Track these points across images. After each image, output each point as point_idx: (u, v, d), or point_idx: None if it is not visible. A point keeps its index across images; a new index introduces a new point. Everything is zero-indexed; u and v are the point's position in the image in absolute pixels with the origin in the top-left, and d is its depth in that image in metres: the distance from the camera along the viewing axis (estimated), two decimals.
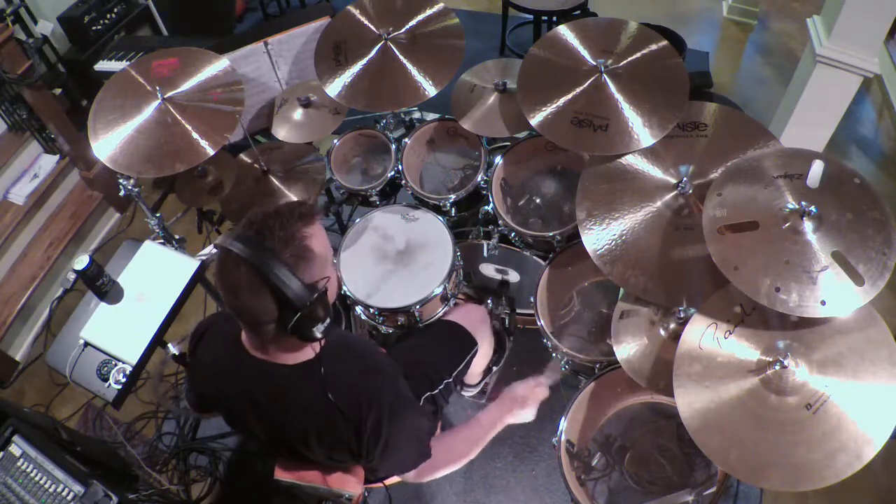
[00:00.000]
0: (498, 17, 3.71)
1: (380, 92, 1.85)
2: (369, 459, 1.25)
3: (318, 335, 1.12)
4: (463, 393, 2.11)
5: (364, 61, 1.89)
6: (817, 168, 1.30)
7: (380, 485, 1.56)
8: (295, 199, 2.03)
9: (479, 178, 1.93)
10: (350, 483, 1.43)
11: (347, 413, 1.19)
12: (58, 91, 2.83)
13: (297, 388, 1.20)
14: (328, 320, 1.12)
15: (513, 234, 1.86)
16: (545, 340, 1.72)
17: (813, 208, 1.24)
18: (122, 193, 1.95)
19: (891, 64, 3.33)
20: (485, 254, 1.94)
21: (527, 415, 1.59)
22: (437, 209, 1.95)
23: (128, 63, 2.38)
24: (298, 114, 2.07)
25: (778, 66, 3.60)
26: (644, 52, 1.66)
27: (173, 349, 1.79)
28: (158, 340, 1.78)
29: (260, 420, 1.28)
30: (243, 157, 2.14)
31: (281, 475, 1.42)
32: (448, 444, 1.48)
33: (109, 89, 1.81)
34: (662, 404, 1.70)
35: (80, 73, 3.03)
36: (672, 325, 1.49)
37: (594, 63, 1.64)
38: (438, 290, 1.73)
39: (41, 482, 1.58)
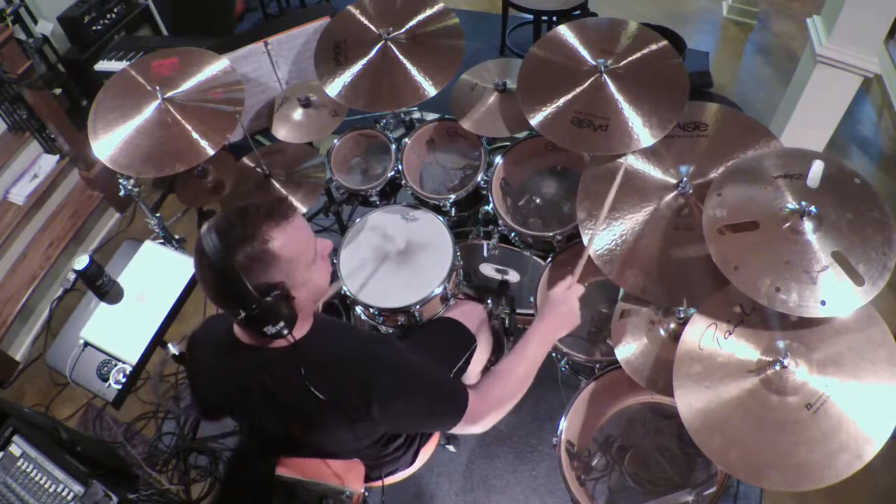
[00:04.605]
0: (498, 17, 3.70)
1: (380, 92, 1.85)
2: (391, 419, 1.23)
3: (271, 334, 1.10)
4: None
5: (364, 61, 1.89)
6: (817, 168, 1.30)
7: (380, 483, 1.56)
8: (295, 202, 2.03)
9: (479, 178, 1.93)
10: (351, 479, 1.43)
11: (352, 380, 1.18)
12: (58, 91, 2.83)
13: (289, 371, 1.19)
14: (282, 323, 1.09)
15: (513, 234, 1.86)
16: None
17: (813, 208, 1.24)
18: (122, 193, 1.95)
19: (891, 64, 3.33)
20: (485, 254, 1.94)
21: (573, 320, 1.43)
22: (437, 209, 1.95)
23: (128, 63, 2.39)
24: (298, 114, 2.07)
25: (778, 66, 3.60)
26: (644, 52, 1.66)
27: (173, 349, 1.79)
28: (158, 340, 1.78)
29: (260, 408, 1.27)
30: (246, 160, 2.14)
31: (283, 471, 1.42)
32: (498, 377, 1.36)
33: (109, 89, 1.81)
34: (662, 404, 1.70)
35: (80, 73, 3.03)
36: (672, 325, 1.49)
37: (594, 63, 1.64)
38: (438, 290, 1.73)
39: (41, 482, 1.58)
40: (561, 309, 1.42)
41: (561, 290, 1.45)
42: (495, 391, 1.33)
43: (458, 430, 1.30)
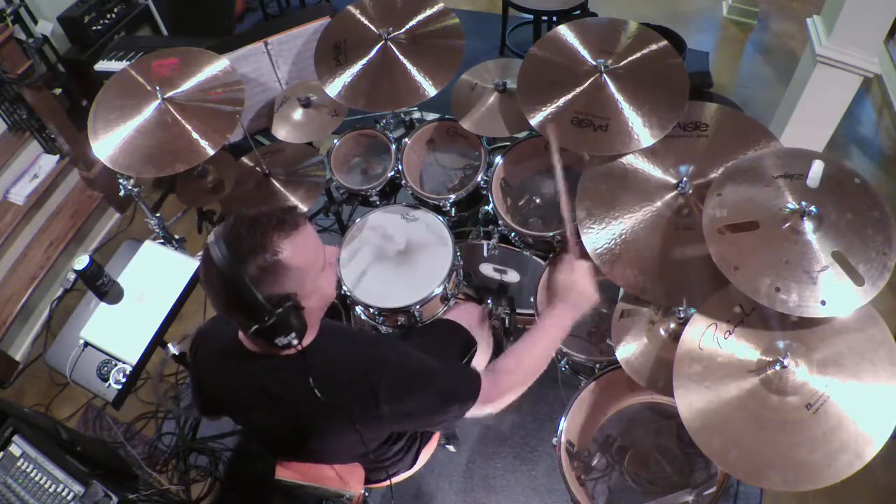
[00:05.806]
0: (498, 17, 3.70)
1: (380, 92, 1.85)
2: (403, 417, 1.22)
3: (281, 344, 1.09)
4: None
5: (364, 61, 1.89)
6: (817, 168, 1.30)
7: (380, 485, 1.56)
8: (295, 201, 2.03)
9: (479, 178, 1.93)
10: (351, 482, 1.44)
11: (357, 383, 1.18)
12: (58, 91, 2.83)
13: (297, 377, 1.19)
14: (293, 333, 1.09)
15: (513, 234, 1.86)
16: None
17: (813, 208, 1.23)
18: (122, 193, 1.95)
19: (891, 64, 3.33)
20: (485, 254, 1.94)
21: (589, 298, 1.43)
22: (437, 209, 1.95)
23: (128, 63, 2.39)
24: (298, 114, 2.07)
25: (778, 66, 3.60)
26: (644, 52, 1.65)
27: (173, 349, 1.79)
28: (158, 340, 1.78)
29: (264, 414, 1.27)
30: (245, 160, 2.14)
31: (283, 474, 1.42)
32: (512, 359, 1.36)
33: (109, 89, 1.81)
34: (662, 404, 1.70)
35: (80, 73, 3.03)
36: (672, 325, 1.49)
37: (594, 63, 1.64)
38: (438, 290, 1.73)
39: (41, 482, 1.58)
40: (575, 292, 1.43)
41: (565, 275, 1.45)
42: (510, 375, 1.33)
43: (472, 412, 1.29)
